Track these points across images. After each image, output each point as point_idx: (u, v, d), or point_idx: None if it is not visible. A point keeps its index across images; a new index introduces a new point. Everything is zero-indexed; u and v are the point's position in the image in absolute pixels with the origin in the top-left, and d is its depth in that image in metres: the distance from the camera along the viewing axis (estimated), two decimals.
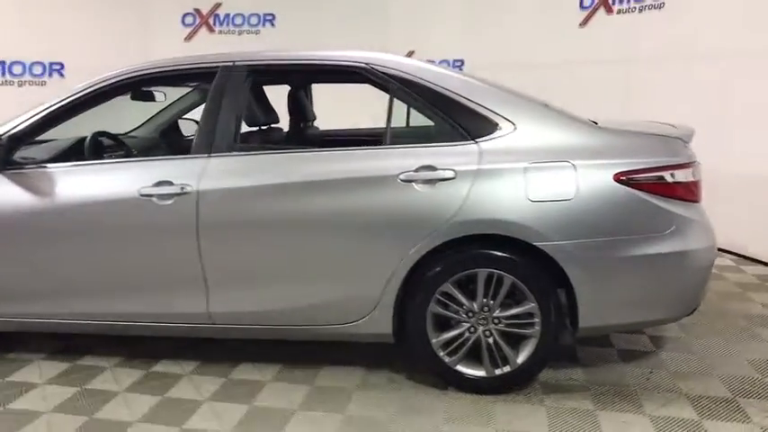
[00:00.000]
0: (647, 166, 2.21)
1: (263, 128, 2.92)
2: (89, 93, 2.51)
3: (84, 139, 2.64)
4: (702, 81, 4.38)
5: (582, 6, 5.40)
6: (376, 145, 2.39)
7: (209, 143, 2.39)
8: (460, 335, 2.34)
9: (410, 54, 6.33)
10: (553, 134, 2.29)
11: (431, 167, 2.24)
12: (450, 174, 2.22)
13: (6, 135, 2.43)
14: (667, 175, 2.21)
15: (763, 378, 2.47)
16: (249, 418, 2.20)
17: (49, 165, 2.46)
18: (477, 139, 2.28)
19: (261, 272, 2.38)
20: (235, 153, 2.39)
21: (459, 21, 5.99)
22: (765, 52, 3.95)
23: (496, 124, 2.29)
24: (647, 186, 2.20)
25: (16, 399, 2.34)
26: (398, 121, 2.71)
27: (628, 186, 2.19)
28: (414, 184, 2.24)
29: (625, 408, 2.25)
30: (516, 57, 5.41)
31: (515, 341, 2.33)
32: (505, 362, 2.33)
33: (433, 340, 2.34)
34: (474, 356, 2.36)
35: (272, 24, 6.35)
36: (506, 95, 2.37)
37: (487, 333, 2.32)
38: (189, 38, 6.36)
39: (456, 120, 2.32)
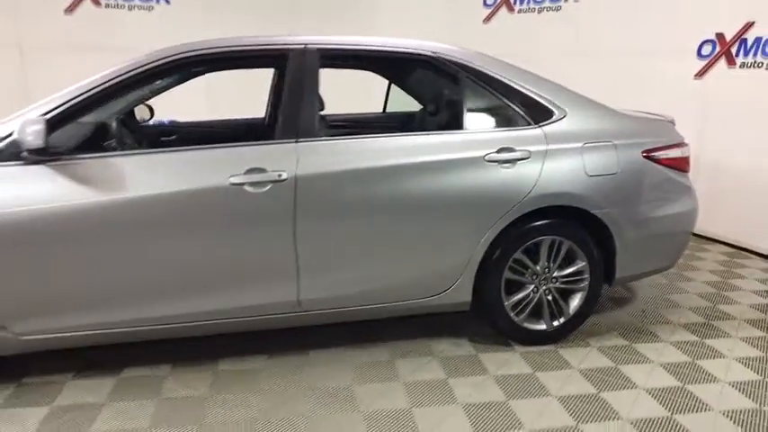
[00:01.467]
0: (662, 145, 2.76)
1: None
2: (143, 71, 2.25)
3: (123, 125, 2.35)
4: (593, 76, 5.26)
5: (485, 4, 6.01)
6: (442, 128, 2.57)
7: (295, 128, 2.33)
8: (527, 296, 2.67)
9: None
10: (595, 119, 2.72)
11: (510, 149, 2.51)
12: (526, 154, 2.52)
13: (45, 118, 2.07)
14: (674, 152, 2.80)
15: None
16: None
17: (106, 154, 2.17)
18: (539, 124, 2.61)
19: (355, 255, 2.41)
20: (323, 138, 2.37)
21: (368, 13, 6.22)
22: (648, 52, 4.89)
23: (552, 111, 2.64)
24: (663, 161, 2.75)
25: None
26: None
27: (651, 161, 2.72)
28: (497, 164, 2.49)
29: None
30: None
31: (567, 296, 2.74)
32: (560, 315, 2.73)
33: (506, 303, 2.64)
34: (535, 313, 2.71)
35: None
36: (554, 85, 2.73)
37: (547, 291, 2.69)
38: None
39: (519, 106, 2.62)
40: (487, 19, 6.05)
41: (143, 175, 2.18)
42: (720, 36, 4.39)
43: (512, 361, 2.59)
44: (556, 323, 2.73)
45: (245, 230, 2.27)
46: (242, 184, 2.22)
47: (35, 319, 2.17)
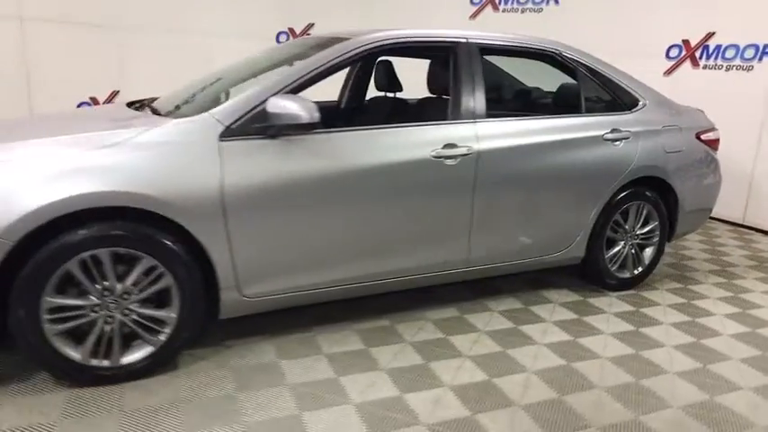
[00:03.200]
0: (706, 128, 3.51)
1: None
2: (351, 56, 2.50)
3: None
4: None
5: (472, 2, 6.57)
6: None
7: (473, 110, 2.71)
8: (619, 251, 3.29)
9: (310, 26, 6.60)
10: (665, 107, 3.39)
11: (618, 130, 3.10)
12: (628, 134, 3.12)
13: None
14: (712, 134, 3.56)
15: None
16: None
17: (331, 129, 2.40)
18: (631, 110, 3.22)
19: (510, 218, 2.86)
20: (491, 119, 2.77)
21: (359, 2, 6.52)
22: (623, 52, 5.74)
23: (638, 100, 3.27)
24: (707, 142, 3.50)
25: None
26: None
27: (700, 141, 3.45)
28: (610, 142, 3.06)
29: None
30: None
31: (642, 250, 3.40)
32: (637, 265, 3.39)
33: (606, 256, 3.24)
34: (622, 265, 3.34)
35: None
36: (634, 79, 3.35)
37: (631, 246, 3.33)
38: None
39: (618, 96, 3.21)
40: (474, 15, 6.62)
41: (365, 148, 2.44)
42: (686, 42, 5.35)
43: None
44: (636, 271, 3.38)
45: (440, 197, 2.63)
46: (440, 157, 2.57)
47: (261, 282, 2.35)
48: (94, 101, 5.51)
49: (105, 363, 2.12)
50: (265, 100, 2.25)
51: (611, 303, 3.18)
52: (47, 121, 2.67)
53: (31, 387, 2.10)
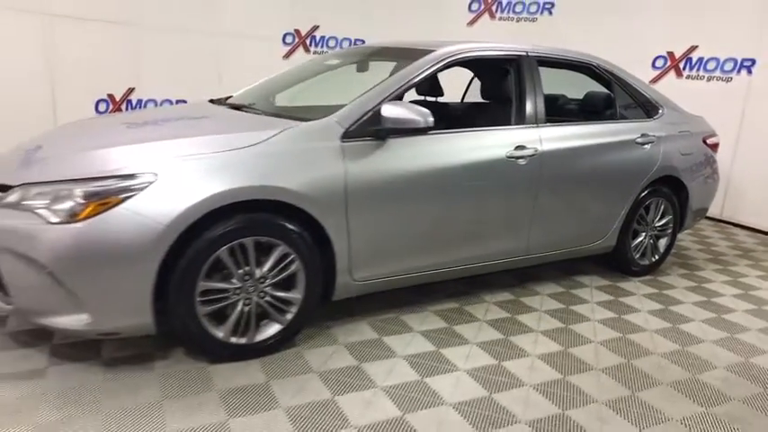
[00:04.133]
0: (710, 133, 4.03)
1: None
2: (436, 66, 2.81)
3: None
4: (563, 81, 6.55)
5: (470, 9, 6.97)
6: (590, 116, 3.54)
7: (535, 115, 3.08)
8: (641, 241, 3.75)
9: (315, 28, 6.84)
10: (678, 114, 3.87)
11: (646, 135, 3.54)
12: (653, 139, 3.57)
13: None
14: (714, 139, 4.08)
15: None
16: None
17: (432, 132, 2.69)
18: (653, 117, 3.68)
19: (561, 211, 3.25)
20: (549, 124, 3.15)
21: (360, 6, 6.81)
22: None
23: (658, 108, 3.74)
24: (711, 145, 4.01)
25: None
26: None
27: (706, 145, 3.96)
28: (640, 145, 3.50)
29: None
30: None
31: (657, 240, 3.87)
32: (654, 254, 3.86)
33: (631, 245, 3.69)
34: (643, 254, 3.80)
35: None
36: (653, 89, 3.81)
37: (650, 237, 3.80)
38: None
39: (642, 104, 3.66)
40: (471, 23, 7.03)
41: (455, 148, 2.77)
42: (671, 54, 5.93)
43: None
44: (653, 259, 3.85)
45: (511, 192, 2.99)
46: (512, 157, 2.93)
47: (368, 267, 2.63)
48: (111, 97, 5.56)
49: (243, 340, 2.36)
50: (376, 106, 2.55)
51: (637, 287, 3.63)
52: (167, 120, 2.89)
53: (174, 365, 2.33)
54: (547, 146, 3.07)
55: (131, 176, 2.08)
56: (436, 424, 2.06)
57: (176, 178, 2.12)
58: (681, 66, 5.88)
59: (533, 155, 3.01)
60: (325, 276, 2.54)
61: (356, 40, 7.00)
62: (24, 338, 2.45)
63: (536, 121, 3.10)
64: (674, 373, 2.56)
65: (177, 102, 6.12)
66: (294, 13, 6.76)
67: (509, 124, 3.06)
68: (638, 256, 3.76)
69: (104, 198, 2.04)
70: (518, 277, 3.59)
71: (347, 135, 2.49)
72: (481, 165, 2.85)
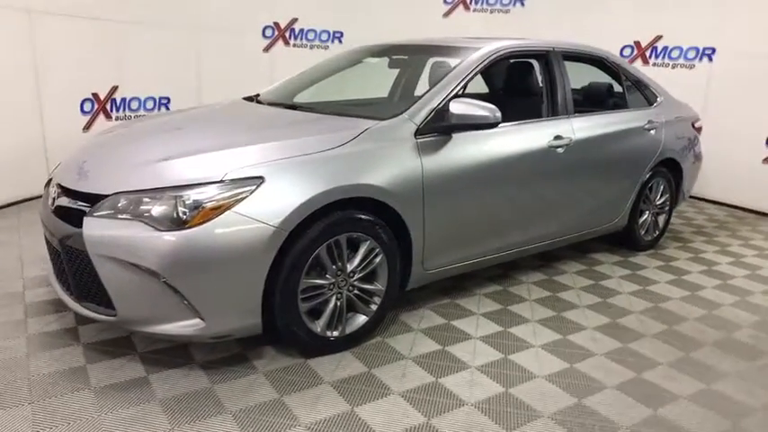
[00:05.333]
0: (696, 119, 4.42)
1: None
2: (485, 62, 2.97)
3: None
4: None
5: (445, 1, 7.14)
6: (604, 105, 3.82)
7: (566, 107, 3.31)
8: (646, 218, 4.09)
9: (294, 21, 6.81)
10: (672, 102, 4.22)
11: (651, 121, 3.86)
12: (657, 125, 3.90)
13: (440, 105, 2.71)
14: (699, 123, 4.48)
15: None
16: None
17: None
18: (653, 105, 4.01)
19: (586, 194, 3.51)
20: (578, 115, 3.39)
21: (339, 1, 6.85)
22: None
23: (657, 96, 4.07)
24: (697, 129, 4.41)
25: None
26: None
27: (694, 129, 4.35)
28: (647, 131, 3.81)
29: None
30: (391, 34, 6.65)
31: (657, 217, 4.23)
32: (656, 229, 4.22)
33: (638, 223, 4.02)
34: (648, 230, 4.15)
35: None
36: (651, 79, 4.13)
37: (652, 214, 4.14)
38: None
39: (645, 93, 3.98)
40: (446, 14, 7.20)
41: (510, 140, 2.96)
42: (637, 43, 6.37)
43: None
44: (654, 234, 4.21)
45: (552, 179, 3.22)
46: (553, 146, 3.14)
47: (437, 256, 2.77)
48: (96, 96, 5.34)
49: (335, 333, 2.45)
50: (442, 103, 2.68)
51: (646, 261, 3.97)
52: (234, 123, 2.90)
53: (272, 363, 2.39)
54: (578, 135, 3.31)
55: (241, 181, 2.12)
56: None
57: (282, 180, 2.18)
58: (647, 54, 6.33)
59: (568, 144, 3.23)
60: (404, 267, 2.67)
61: (335, 32, 7.03)
62: (105, 349, 2.43)
63: (567, 112, 3.33)
64: (712, 334, 2.88)
65: (161, 99, 5.96)
66: (273, 6, 6.70)
67: (546, 116, 3.28)
68: (643, 232, 4.10)
69: (216, 203, 2.07)
70: (542, 258, 3.83)
71: (419, 132, 2.61)
72: (531, 154, 3.06)
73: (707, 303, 3.26)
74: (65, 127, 5.02)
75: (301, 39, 6.93)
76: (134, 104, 5.75)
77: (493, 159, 2.87)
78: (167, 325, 2.13)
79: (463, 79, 2.84)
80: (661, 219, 4.25)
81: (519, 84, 3.47)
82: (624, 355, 2.61)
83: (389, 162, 2.48)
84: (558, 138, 3.18)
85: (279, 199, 2.15)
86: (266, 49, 6.77)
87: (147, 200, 2.10)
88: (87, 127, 5.28)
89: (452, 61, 3.01)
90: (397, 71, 4.04)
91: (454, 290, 3.21)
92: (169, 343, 2.45)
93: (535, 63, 3.47)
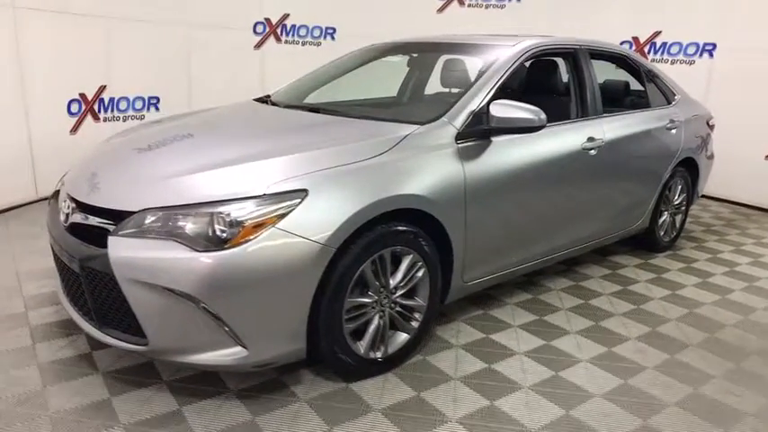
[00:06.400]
0: (710, 117, 4.36)
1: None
2: (520, 60, 2.83)
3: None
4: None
5: None
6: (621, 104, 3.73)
7: (596, 107, 3.19)
8: (665, 219, 4.02)
9: (286, 17, 6.57)
10: (688, 100, 4.15)
11: (672, 120, 3.78)
12: (678, 124, 3.82)
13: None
14: (713, 121, 4.43)
15: None
16: None
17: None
18: (671, 104, 3.93)
19: (616, 196, 3.41)
20: (607, 115, 3.28)
21: None
22: None
23: (675, 95, 3.99)
24: (710, 127, 4.36)
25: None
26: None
27: (708, 126, 4.30)
28: (669, 130, 3.73)
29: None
30: (384, 30, 6.43)
31: (675, 216, 4.16)
32: (673, 230, 4.15)
33: (658, 225, 3.95)
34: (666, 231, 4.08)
35: None
36: (669, 78, 4.05)
37: (670, 215, 4.08)
38: None
39: (664, 92, 3.90)
40: (441, 10, 7.05)
41: (548, 142, 2.83)
42: (636, 39, 6.32)
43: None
44: (672, 235, 4.15)
45: (586, 182, 3.12)
46: (585, 148, 3.02)
47: (476, 267, 2.63)
48: (83, 97, 5.04)
49: (378, 354, 2.28)
50: (481, 105, 2.53)
51: (667, 263, 3.90)
52: (254, 129, 2.71)
53: (313, 389, 2.22)
54: (608, 135, 3.20)
55: (284, 194, 1.93)
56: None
57: (327, 192, 2.00)
58: (646, 50, 6.28)
59: (601, 145, 3.12)
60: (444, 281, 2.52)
61: (327, 28, 6.81)
62: (128, 378, 2.22)
63: (597, 112, 3.21)
64: (755, 342, 2.80)
65: (150, 99, 5.68)
66: (264, 2, 6.46)
67: (577, 116, 3.16)
68: (662, 233, 4.03)
69: (258, 220, 1.88)
70: (564, 263, 3.73)
71: (459, 136, 2.46)
72: (567, 157, 2.94)
73: (740, 308, 3.20)
74: (51, 129, 4.72)
75: (293, 35, 6.70)
76: (123, 105, 5.46)
77: (533, 163, 2.73)
78: (205, 354, 1.94)
79: (500, 78, 2.69)
80: (678, 219, 4.19)
81: (547, 83, 3.34)
82: (674, 367, 2.51)
83: (432, 170, 2.31)
84: (590, 139, 3.07)
85: (325, 213, 1.97)
86: (257, 46, 6.53)
87: (180, 217, 1.90)
88: (74, 129, 4.98)
89: (479, 61, 2.87)
90: (411, 70, 3.87)
91: (483, 300, 3.07)
92: (196, 369, 2.26)
93: (560, 61, 3.36)
